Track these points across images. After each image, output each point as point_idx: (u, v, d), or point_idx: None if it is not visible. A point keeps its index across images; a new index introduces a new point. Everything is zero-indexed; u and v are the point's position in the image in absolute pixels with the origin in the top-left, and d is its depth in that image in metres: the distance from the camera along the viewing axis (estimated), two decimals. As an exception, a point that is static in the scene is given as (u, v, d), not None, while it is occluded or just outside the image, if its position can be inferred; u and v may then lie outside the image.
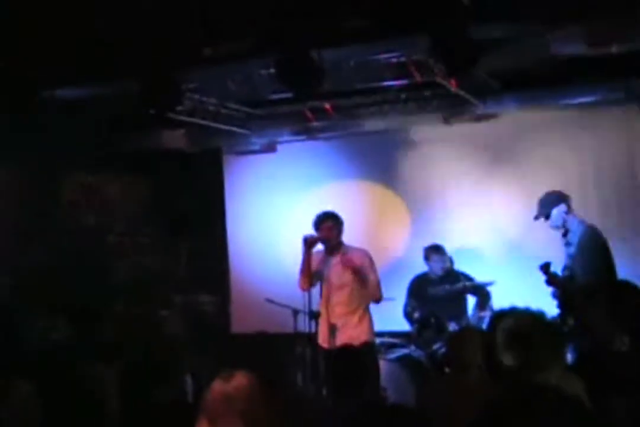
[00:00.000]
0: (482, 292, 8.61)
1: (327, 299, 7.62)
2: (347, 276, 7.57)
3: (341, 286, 7.58)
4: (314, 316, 7.49)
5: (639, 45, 6.83)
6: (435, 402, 4.81)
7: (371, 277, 7.62)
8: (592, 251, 7.13)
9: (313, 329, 7.51)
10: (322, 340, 7.52)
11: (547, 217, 7.42)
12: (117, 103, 8.29)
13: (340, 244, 7.67)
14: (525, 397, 3.07)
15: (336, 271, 7.60)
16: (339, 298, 7.58)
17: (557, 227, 7.45)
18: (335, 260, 7.60)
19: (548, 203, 7.45)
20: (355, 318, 7.60)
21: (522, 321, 3.83)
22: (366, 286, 7.61)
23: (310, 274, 7.50)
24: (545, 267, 7.27)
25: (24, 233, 9.03)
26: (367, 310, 7.73)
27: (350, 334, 7.44)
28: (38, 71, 7.13)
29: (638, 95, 8.31)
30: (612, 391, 4.07)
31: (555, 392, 3.23)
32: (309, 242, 7.51)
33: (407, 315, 8.65)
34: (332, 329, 7.43)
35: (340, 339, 7.31)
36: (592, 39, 6.59)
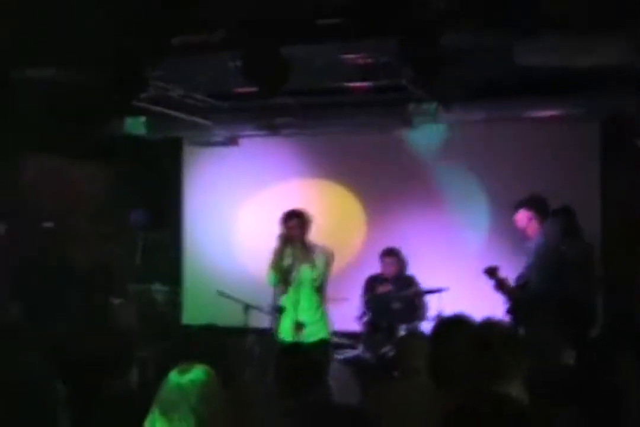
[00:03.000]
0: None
1: (292, 296, 7.66)
2: (311, 274, 7.62)
3: (306, 283, 7.64)
4: (278, 311, 7.56)
5: (603, 60, 6.91)
6: (380, 406, 4.82)
7: (327, 275, 7.75)
8: (548, 262, 7.18)
9: (275, 325, 7.59)
10: (286, 336, 7.59)
11: (514, 213, 7.51)
12: (82, 88, 8.22)
13: (305, 242, 7.70)
14: (488, 406, 3.08)
15: (302, 269, 7.63)
16: (304, 295, 7.63)
17: (519, 228, 7.54)
18: (301, 257, 7.63)
19: (522, 202, 7.53)
20: (318, 315, 7.69)
21: (488, 329, 3.85)
22: (326, 284, 7.77)
23: (280, 271, 7.59)
24: (490, 271, 7.30)
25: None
26: (326, 308, 7.85)
27: (314, 330, 7.58)
28: (5, 52, 7.05)
29: (600, 112, 8.42)
30: (559, 404, 4.10)
31: (517, 403, 3.25)
32: (283, 240, 7.58)
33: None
34: (297, 326, 7.51)
35: (304, 336, 7.48)
36: (557, 52, 6.66)
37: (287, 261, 7.62)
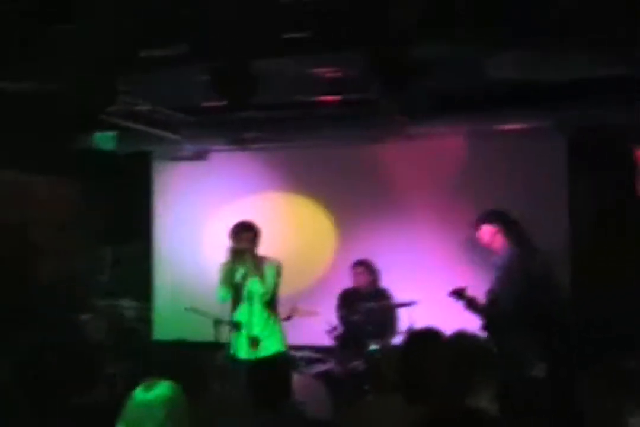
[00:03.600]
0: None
1: (245, 311, 7.60)
2: (262, 287, 7.57)
3: (257, 298, 7.59)
4: (236, 326, 7.50)
5: (569, 75, 6.96)
6: (352, 422, 4.79)
7: (276, 288, 7.71)
8: (515, 276, 7.18)
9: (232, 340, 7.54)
10: (240, 351, 7.52)
11: (477, 229, 7.50)
12: (50, 102, 8.17)
13: (254, 255, 7.61)
14: (458, 419, 3.07)
15: (252, 282, 7.58)
16: (256, 309, 7.59)
17: (484, 244, 7.52)
18: (251, 271, 7.55)
19: (480, 218, 7.52)
20: (270, 329, 7.66)
21: (457, 342, 3.84)
22: (277, 296, 7.75)
23: (231, 286, 7.53)
24: (457, 293, 7.30)
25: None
26: (278, 320, 7.83)
27: (267, 344, 7.54)
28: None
29: (566, 127, 8.46)
30: (528, 418, 4.11)
31: (487, 416, 3.25)
32: (235, 253, 7.49)
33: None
34: (253, 341, 7.45)
35: (260, 350, 7.43)
36: (525, 65, 6.69)
37: (237, 276, 7.57)
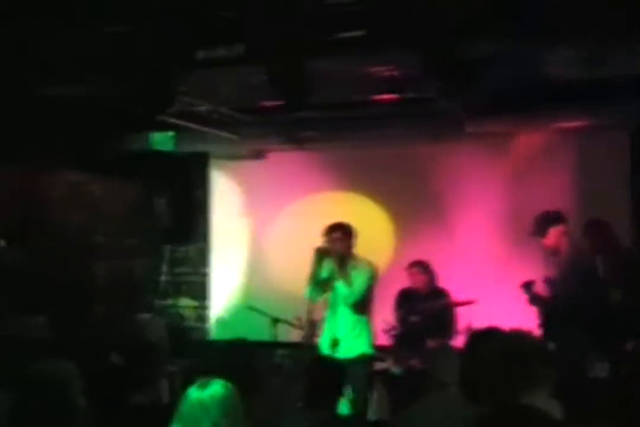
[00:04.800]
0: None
1: (330, 311, 7.61)
2: (346, 290, 7.49)
3: (341, 299, 7.54)
4: (313, 325, 7.51)
5: (631, 71, 6.86)
6: (411, 421, 4.78)
7: (365, 291, 7.61)
8: (578, 274, 7.12)
9: (308, 339, 7.56)
10: (324, 350, 7.54)
11: (543, 235, 7.42)
12: (108, 102, 8.25)
13: (345, 256, 7.57)
14: (511, 416, 3.04)
15: (339, 284, 7.53)
16: (340, 311, 7.57)
17: (549, 247, 7.45)
18: (338, 272, 7.50)
19: (546, 221, 7.44)
20: (355, 331, 7.61)
21: (513, 340, 3.81)
22: (367, 299, 7.64)
23: (319, 285, 7.49)
24: (526, 286, 7.26)
25: (8, 231, 8.96)
26: (367, 322, 7.74)
27: (350, 346, 7.50)
28: (28, 69, 7.08)
29: (629, 124, 8.36)
30: (589, 418, 4.06)
31: (541, 413, 3.21)
32: (319, 253, 7.46)
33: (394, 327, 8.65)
34: (333, 342, 7.44)
35: (347, 350, 7.43)
36: (588, 59, 6.59)
37: (325, 275, 7.54)
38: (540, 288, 7.35)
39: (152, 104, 7.75)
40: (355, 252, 7.65)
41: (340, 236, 7.52)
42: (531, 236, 7.49)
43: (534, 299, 7.23)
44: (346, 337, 7.52)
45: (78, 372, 3.91)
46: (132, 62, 7.08)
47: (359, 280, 7.51)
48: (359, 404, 7.20)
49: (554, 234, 7.40)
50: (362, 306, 7.60)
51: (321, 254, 7.44)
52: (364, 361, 7.56)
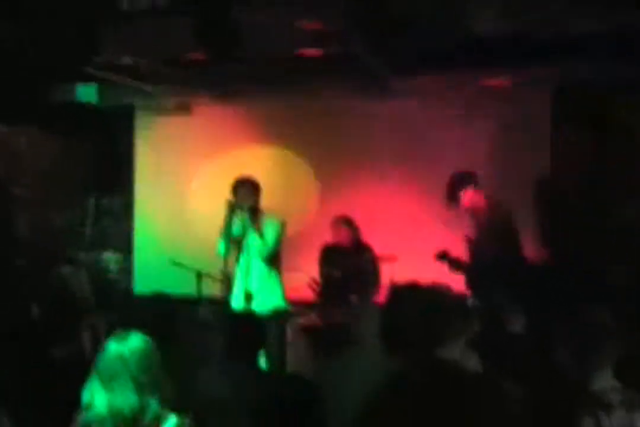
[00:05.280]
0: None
1: (243, 265, 7.61)
2: (260, 243, 7.57)
3: (255, 253, 7.59)
4: (227, 280, 7.52)
5: (554, 27, 6.92)
6: (333, 374, 4.85)
7: (277, 244, 7.71)
8: (498, 229, 7.23)
9: (226, 294, 7.58)
10: (236, 304, 7.56)
11: (456, 199, 7.51)
12: (32, 51, 8.10)
13: (255, 210, 7.63)
14: (426, 370, 3.10)
15: (251, 237, 7.58)
16: (254, 264, 7.59)
17: (466, 209, 7.55)
18: (250, 226, 7.56)
19: (455, 186, 7.54)
20: (269, 284, 7.70)
21: (429, 295, 3.86)
22: (278, 253, 7.77)
23: (228, 239, 7.52)
24: (441, 256, 7.37)
25: None
26: (278, 276, 7.86)
27: (264, 300, 7.58)
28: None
29: (551, 79, 8.44)
30: (507, 370, 4.14)
31: (456, 366, 3.28)
32: (230, 206, 7.49)
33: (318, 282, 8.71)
34: (247, 295, 7.46)
35: (261, 303, 7.48)
36: (509, 17, 6.64)
37: (236, 230, 7.55)
38: (460, 248, 7.44)
39: (76, 56, 7.64)
40: (262, 206, 7.73)
41: (250, 190, 7.59)
42: (446, 201, 7.59)
43: (453, 266, 7.33)
44: (259, 291, 7.58)
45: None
46: (56, 12, 6.96)
47: (270, 233, 7.61)
48: (275, 358, 7.27)
49: (466, 197, 7.51)
50: (274, 258, 7.74)
51: (233, 207, 7.47)
52: (278, 314, 7.63)
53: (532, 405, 3.81)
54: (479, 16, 6.81)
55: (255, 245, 7.57)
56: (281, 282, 7.84)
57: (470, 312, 3.84)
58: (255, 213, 7.57)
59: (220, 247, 7.59)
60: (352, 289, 8.42)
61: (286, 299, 7.90)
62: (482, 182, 7.59)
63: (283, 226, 7.75)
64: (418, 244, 8.70)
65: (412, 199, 9.42)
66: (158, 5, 6.76)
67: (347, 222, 8.80)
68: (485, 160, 8.42)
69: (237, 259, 7.65)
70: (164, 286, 7.94)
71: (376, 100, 9.32)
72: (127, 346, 3.71)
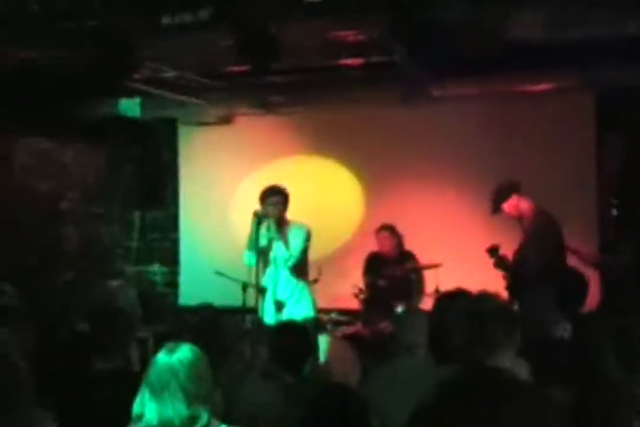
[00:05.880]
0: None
1: (272, 275, 7.58)
2: (285, 252, 7.50)
3: (287, 261, 7.53)
4: (261, 291, 7.46)
5: (596, 31, 6.88)
6: (379, 383, 4.83)
7: (302, 253, 7.61)
8: (543, 236, 7.21)
9: (260, 305, 7.52)
10: (267, 315, 7.53)
11: (499, 211, 7.50)
12: (74, 68, 8.19)
13: (280, 219, 7.53)
14: (477, 378, 3.09)
15: (277, 247, 7.53)
16: (281, 274, 7.56)
17: (512, 217, 7.53)
18: (275, 235, 7.47)
19: (499, 197, 7.51)
20: (297, 294, 7.61)
21: (479, 302, 3.85)
22: (304, 261, 7.66)
23: (257, 250, 7.38)
24: (492, 250, 7.34)
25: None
26: (308, 284, 7.76)
27: (294, 310, 7.50)
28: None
29: (594, 84, 8.38)
30: (554, 378, 4.11)
31: (507, 375, 3.26)
32: (257, 217, 7.36)
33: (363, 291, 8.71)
34: (277, 305, 7.44)
35: (288, 313, 7.41)
36: (550, 24, 6.62)
37: (263, 239, 7.48)
38: (507, 252, 7.42)
39: (119, 70, 7.70)
40: (287, 215, 7.64)
41: (277, 199, 7.49)
42: (491, 209, 7.58)
43: (499, 263, 7.31)
44: (288, 300, 7.55)
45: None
46: (98, 27, 7.02)
47: (295, 242, 7.52)
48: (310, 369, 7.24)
49: (511, 204, 7.48)
50: (301, 268, 7.64)
51: (259, 218, 7.36)
52: (306, 325, 7.53)
53: (579, 412, 3.79)
54: (520, 21, 6.78)
55: (281, 254, 7.51)
56: (310, 292, 7.74)
57: (517, 320, 3.82)
58: (280, 222, 7.50)
59: (247, 257, 7.50)
60: (397, 298, 8.42)
61: (330, 308, 7.88)
62: (526, 189, 7.54)
63: (309, 234, 7.62)
64: (462, 251, 8.68)
65: (455, 206, 9.41)
66: (199, 19, 6.79)
67: (391, 230, 8.82)
68: (529, 166, 8.37)
69: (264, 270, 7.60)
70: (209, 297, 7.99)
71: (418, 108, 9.31)
72: (176, 357, 3.73)
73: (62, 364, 4.53)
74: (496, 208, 7.54)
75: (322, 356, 7.83)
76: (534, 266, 7.12)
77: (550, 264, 7.09)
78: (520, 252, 7.36)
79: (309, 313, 7.62)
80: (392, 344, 7.47)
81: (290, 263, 7.52)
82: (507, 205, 7.50)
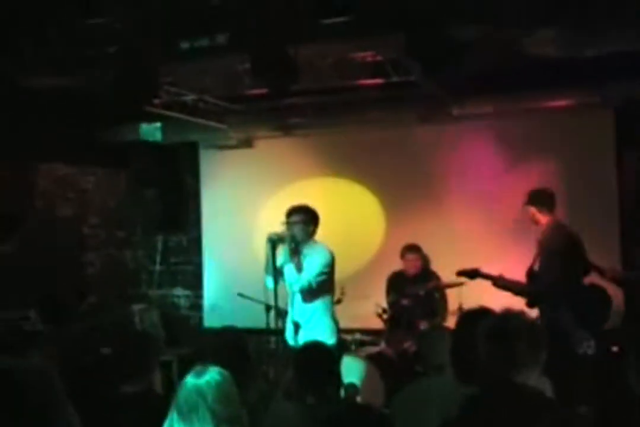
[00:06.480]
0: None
1: (290, 297, 7.39)
2: (299, 275, 7.17)
3: (295, 285, 7.24)
4: (281, 313, 7.33)
5: (612, 49, 6.89)
6: (406, 403, 4.82)
7: (317, 277, 7.20)
8: (559, 250, 7.18)
9: (281, 326, 7.42)
10: (288, 337, 7.39)
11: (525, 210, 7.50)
12: (95, 93, 8.26)
13: (305, 240, 7.26)
14: (503, 396, 3.09)
15: (290, 271, 7.27)
16: (297, 296, 7.31)
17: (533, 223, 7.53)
18: (290, 258, 7.19)
19: (526, 198, 7.51)
20: (313, 317, 7.28)
21: (503, 320, 3.84)
22: (322, 286, 7.25)
23: (274, 273, 7.08)
24: (465, 273, 7.37)
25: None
26: (327, 308, 7.37)
27: (310, 333, 7.17)
28: (13, 59, 7.08)
29: (613, 100, 8.39)
30: (579, 395, 4.11)
31: (533, 392, 3.26)
32: (271, 241, 7.10)
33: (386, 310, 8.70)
34: (296, 327, 7.25)
35: (303, 337, 7.15)
36: (567, 42, 6.63)
37: (282, 260, 7.26)
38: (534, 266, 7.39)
39: (139, 95, 7.76)
40: (314, 238, 7.36)
41: (298, 219, 7.24)
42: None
43: (495, 283, 7.34)
44: (305, 323, 7.25)
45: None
46: (117, 53, 7.09)
47: (311, 266, 7.17)
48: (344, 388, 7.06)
49: (528, 212, 7.50)
50: (313, 293, 7.24)
51: (273, 241, 7.09)
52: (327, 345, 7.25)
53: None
54: (537, 39, 6.79)
55: (291, 278, 7.28)
56: (331, 316, 7.37)
57: (542, 338, 3.81)
58: (297, 245, 7.19)
59: (267, 280, 7.23)
60: (420, 316, 8.42)
61: (354, 328, 7.79)
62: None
63: (331, 257, 7.29)
64: (485, 269, 8.65)
65: (477, 224, 9.39)
66: (217, 43, 6.84)
67: (415, 249, 8.82)
68: (549, 183, 8.34)
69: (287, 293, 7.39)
70: (233, 320, 7.99)
71: (437, 127, 9.34)
72: (204, 380, 3.76)
73: (87, 388, 4.54)
74: (524, 205, 7.55)
75: (346, 377, 7.81)
76: (549, 281, 7.10)
77: (568, 279, 7.06)
78: (533, 267, 7.35)
79: (326, 336, 7.13)
80: (416, 363, 7.49)
81: (299, 287, 7.19)
82: (528, 210, 7.51)
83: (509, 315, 3.90)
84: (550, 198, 7.49)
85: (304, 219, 7.28)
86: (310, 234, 7.32)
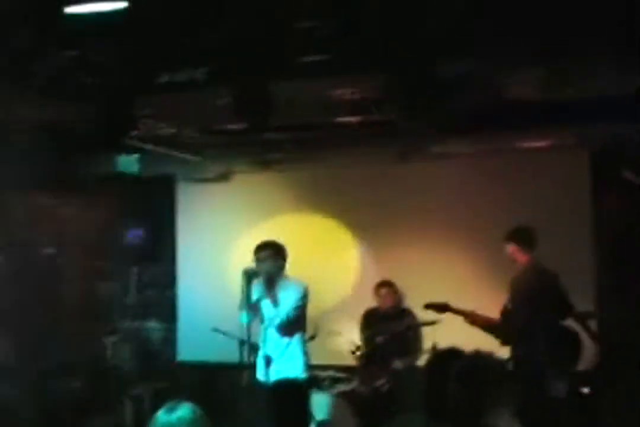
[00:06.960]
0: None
1: (262, 332, 7.28)
2: (273, 310, 7.21)
3: (273, 320, 7.25)
4: (253, 348, 7.27)
5: (592, 92, 6.95)
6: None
7: (293, 311, 7.23)
8: (533, 291, 7.19)
9: (253, 361, 7.36)
10: (259, 372, 7.31)
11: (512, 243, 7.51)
12: (72, 125, 8.24)
13: (278, 275, 7.29)
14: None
15: (266, 306, 7.28)
16: (269, 332, 7.25)
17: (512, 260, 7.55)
18: (265, 293, 7.23)
19: (507, 235, 7.52)
20: (285, 352, 7.26)
21: (472, 361, 3.83)
22: (296, 320, 7.29)
23: (249, 308, 7.11)
24: (432, 306, 7.37)
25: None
26: (301, 343, 7.38)
27: (281, 368, 7.17)
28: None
29: (589, 142, 8.45)
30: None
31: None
32: (246, 275, 7.10)
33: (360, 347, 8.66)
34: (268, 361, 7.12)
35: (275, 371, 7.13)
36: (547, 83, 6.68)
37: (256, 295, 7.23)
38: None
39: (116, 128, 7.75)
40: (285, 272, 7.38)
41: (268, 254, 7.25)
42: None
43: (468, 319, 7.34)
44: (277, 358, 7.20)
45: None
46: (95, 86, 7.09)
47: (286, 301, 7.20)
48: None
49: (508, 249, 7.51)
50: (290, 327, 7.27)
51: (248, 275, 7.10)
52: (295, 385, 7.19)
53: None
54: (518, 78, 6.85)
55: (268, 313, 7.27)
56: (303, 351, 7.37)
57: (512, 380, 3.80)
58: (271, 280, 7.23)
59: (241, 315, 7.16)
60: (394, 354, 8.38)
61: (328, 364, 7.73)
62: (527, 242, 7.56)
63: (305, 292, 7.30)
64: (461, 306, 8.65)
65: (454, 262, 9.41)
66: (196, 77, 6.86)
67: (388, 285, 8.81)
68: (527, 221, 8.37)
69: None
70: (207, 354, 7.96)
71: (417, 165, 9.37)
72: (176, 416, 3.70)
73: (57, 421, 4.50)
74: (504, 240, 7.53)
75: (317, 414, 7.76)
76: (520, 322, 7.10)
77: (540, 320, 7.06)
78: (507, 306, 7.35)
79: (299, 371, 7.23)
80: (389, 401, 7.46)
81: (277, 322, 7.21)
82: (507, 248, 7.53)
83: (479, 356, 3.89)
84: (531, 237, 7.52)
85: (272, 254, 7.30)
86: (280, 269, 7.34)
